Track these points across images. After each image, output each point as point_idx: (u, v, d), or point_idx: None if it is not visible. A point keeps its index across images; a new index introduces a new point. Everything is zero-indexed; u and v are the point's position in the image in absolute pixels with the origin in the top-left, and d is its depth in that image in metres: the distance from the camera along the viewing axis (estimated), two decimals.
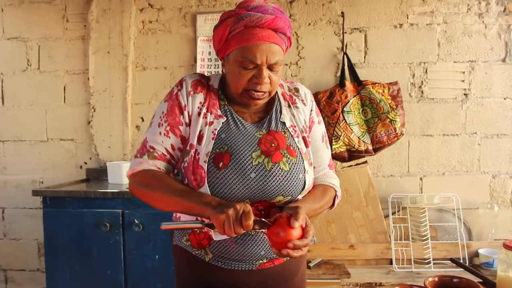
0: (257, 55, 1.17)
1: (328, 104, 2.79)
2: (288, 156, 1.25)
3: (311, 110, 1.38)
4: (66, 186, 2.73)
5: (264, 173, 1.21)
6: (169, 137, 1.28)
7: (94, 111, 3.05)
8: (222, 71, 1.34)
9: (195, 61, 3.01)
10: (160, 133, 1.28)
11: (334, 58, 2.94)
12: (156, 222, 2.39)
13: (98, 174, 3.03)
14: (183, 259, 1.36)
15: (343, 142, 2.76)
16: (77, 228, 2.45)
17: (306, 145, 1.32)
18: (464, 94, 2.90)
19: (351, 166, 2.91)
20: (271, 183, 1.21)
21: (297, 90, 1.39)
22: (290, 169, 1.24)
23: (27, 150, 3.18)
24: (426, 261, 2.71)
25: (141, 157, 1.28)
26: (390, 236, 2.82)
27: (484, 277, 1.56)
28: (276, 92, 1.35)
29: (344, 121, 2.75)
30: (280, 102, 1.35)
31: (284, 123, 1.31)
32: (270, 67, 1.20)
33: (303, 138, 1.32)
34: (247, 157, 1.22)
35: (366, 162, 2.91)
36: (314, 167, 1.37)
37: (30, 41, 3.13)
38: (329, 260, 2.82)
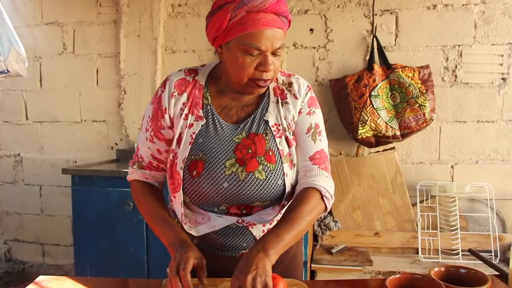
0: (262, 42, 1.10)
1: (356, 88, 2.71)
2: (265, 163, 1.20)
3: (302, 102, 1.27)
4: (95, 165, 2.83)
5: (237, 183, 1.18)
6: (154, 143, 1.27)
7: (125, 93, 3.12)
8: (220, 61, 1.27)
9: None
10: (147, 138, 1.28)
11: (363, 41, 2.86)
12: None
13: (127, 155, 3.10)
14: None
15: (370, 127, 2.68)
16: (103, 206, 2.53)
17: (289, 145, 1.24)
18: (502, 79, 2.74)
19: (378, 152, 2.84)
20: (246, 192, 1.19)
21: (290, 84, 1.29)
22: (266, 177, 1.19)
23: (62, 130, 3.31)
24: (454, 252, 2.62)
25: (132, 167, 1.34)
26: (417, 225, 2.75)
27: (501, 270, 1.49)
28: (268, 87, 1.28)
29: (371, 105, 2.67)
30: (269, 98, 1.27)
31: (267, 122, 1.24)
32: (274, 52, 1.15)
33: (286, 138, 1.24)
34: (221, 165, 1.19)
35: (393, 148, 2.83)
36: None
37: (66, 25, 3.23)
38: (353, 247, 2.79)
